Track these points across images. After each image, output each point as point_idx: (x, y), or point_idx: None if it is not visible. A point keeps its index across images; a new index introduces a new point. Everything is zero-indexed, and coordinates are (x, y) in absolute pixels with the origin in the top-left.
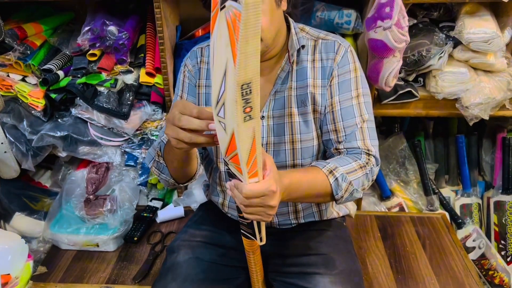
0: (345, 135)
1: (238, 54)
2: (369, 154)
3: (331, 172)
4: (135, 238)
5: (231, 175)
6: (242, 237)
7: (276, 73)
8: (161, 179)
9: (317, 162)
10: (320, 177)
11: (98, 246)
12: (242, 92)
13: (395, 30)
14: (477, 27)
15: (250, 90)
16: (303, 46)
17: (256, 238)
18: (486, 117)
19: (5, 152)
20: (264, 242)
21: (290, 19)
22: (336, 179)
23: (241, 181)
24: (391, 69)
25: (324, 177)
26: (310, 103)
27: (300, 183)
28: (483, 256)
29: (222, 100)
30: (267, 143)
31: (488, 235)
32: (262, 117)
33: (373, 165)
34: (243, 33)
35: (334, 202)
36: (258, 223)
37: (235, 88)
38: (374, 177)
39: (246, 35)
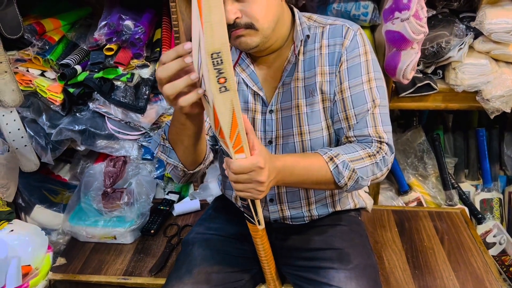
0: (356, 123)
1: (204, 22)
2: (381, 142)
3: (331, 159)
4: (152, 231)
5: (223, 152)
6: (247, 222)
7: (283, 66)
8: (169, 169)
9: (321, 149)
10: (319, 163)
11: (115, 238)
12: (213, 62)
13: (413, 21)
14: (499, 18)
15: (221, 60)
16: (308, 36)
17: (254, 221)
18: (508, 110)
19: (25, 145)
20: (262, 226)
21: (295, 9)
22: (337, 166)
23: (230, 158)
24: (409, 61)
25: (323, 163)
26: (318, 93)
27: (294, 168)
28: (504, 252)
29: (201, 72)
30: (276, 137)
31: (509, 230)
32: (271, 111)
33: (385, 153)
34: (205, 3)
35: (351, 192)
36: (253, 204)
37: (205, 57)
38: (389, 165)
39: (208, 4)
